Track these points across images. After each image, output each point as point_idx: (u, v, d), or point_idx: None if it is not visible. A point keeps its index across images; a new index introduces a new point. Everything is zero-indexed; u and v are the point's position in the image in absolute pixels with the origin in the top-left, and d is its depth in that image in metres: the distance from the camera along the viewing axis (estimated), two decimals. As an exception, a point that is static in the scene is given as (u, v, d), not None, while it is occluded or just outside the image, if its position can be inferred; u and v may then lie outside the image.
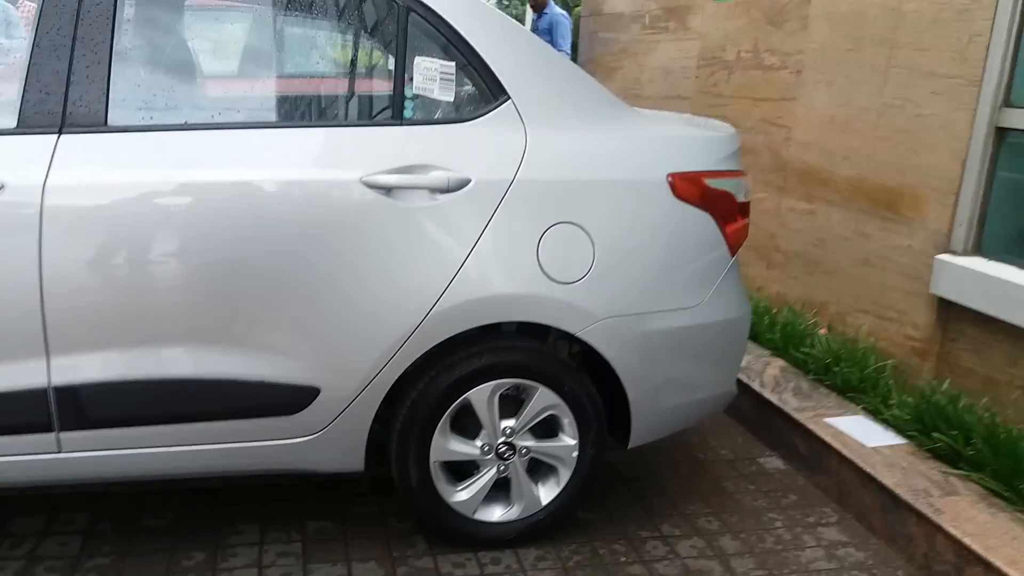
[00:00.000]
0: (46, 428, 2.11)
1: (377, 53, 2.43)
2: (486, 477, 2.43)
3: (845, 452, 2.82)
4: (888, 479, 2.64)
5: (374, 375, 2.23)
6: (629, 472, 2.99)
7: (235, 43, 2.31)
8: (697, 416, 2.67)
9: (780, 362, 3.61)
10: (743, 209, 2.55)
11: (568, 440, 2.45)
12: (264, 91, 2.37)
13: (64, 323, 2.05)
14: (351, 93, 2.46)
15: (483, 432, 2.39)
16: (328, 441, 2.28)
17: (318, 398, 2.23)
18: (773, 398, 3.25)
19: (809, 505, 2.83)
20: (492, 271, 2.25)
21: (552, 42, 6.95)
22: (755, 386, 3.37)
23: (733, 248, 2.53)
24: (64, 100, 2.04)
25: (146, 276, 2.08)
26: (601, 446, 2.47)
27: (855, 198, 3.53)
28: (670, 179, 2.39)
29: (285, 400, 2.21)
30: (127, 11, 2.10)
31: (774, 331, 3.77)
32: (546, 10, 7.45)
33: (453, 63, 2.29)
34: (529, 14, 8.16)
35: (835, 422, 3.04)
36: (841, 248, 3.63)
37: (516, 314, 2.30)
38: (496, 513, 2.47)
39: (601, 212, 2.33)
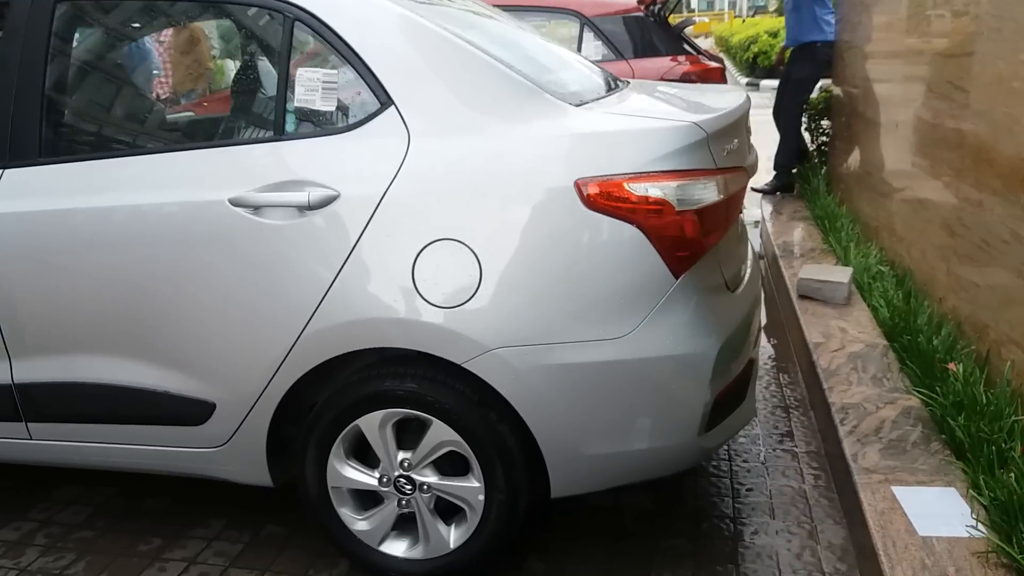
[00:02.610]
0: (16, 418, 2.45)
1: (260, 67, 2.36)
2: (387, 509, 2.27)
3: (877, 537, 2.11)
4: (900, 587, 1.92)
5: (259, 394, 2.21)
6: (634, 524, 2.56)
7: (126, 74, 2.42)
8: (644, 470, 2.19)
9: (909, 402, 2.79)
10: (691, 220, 2.02)
11: (473, 482, 2.19)
12: (152, 118, 2.46)
13: (13, 331, 2.37)
14: (235, 111, 2.43)
15: (382, 463, 2.24)
16: (232, 453, 2.32)
17: (215, 412, 2.28)
18: (852, 450, 2.53)
19: (822, 599, 2.17)
20: (361, 292, 2.09)
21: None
22: (843, 431, 2.65)
23: (676, 267, 2.03)
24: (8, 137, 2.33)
25: (61, 292, 2.29)
26: (513, 493, 2.16)
27: (1014, 186, 2.57)
28: (577, 185, 1.99)
29: (189, 411, 2.29)
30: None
31: (920, 359, 2.92)
32: None
33: (335, 72, 2.15)
34: None
35: (903, 493, 2.28)
36: (1001, 254, 2.68)
37: (390, 340, 2.11)
38: (401, 548, 2.30)
39: (489, 226, 2.03)
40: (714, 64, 5.40)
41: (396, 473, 2.22)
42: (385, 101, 2.10)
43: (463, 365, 2.06)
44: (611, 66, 5.26)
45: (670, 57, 5.63)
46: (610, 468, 2.15)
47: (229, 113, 2.47)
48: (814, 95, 6.16)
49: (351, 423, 2.21)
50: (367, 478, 2.26)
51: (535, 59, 2.51)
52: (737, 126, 2.28)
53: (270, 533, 2.58)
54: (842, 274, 3.85)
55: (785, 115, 6.06)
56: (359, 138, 2.11)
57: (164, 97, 2.58)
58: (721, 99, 2.47)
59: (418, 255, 2.04)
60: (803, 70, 5.89)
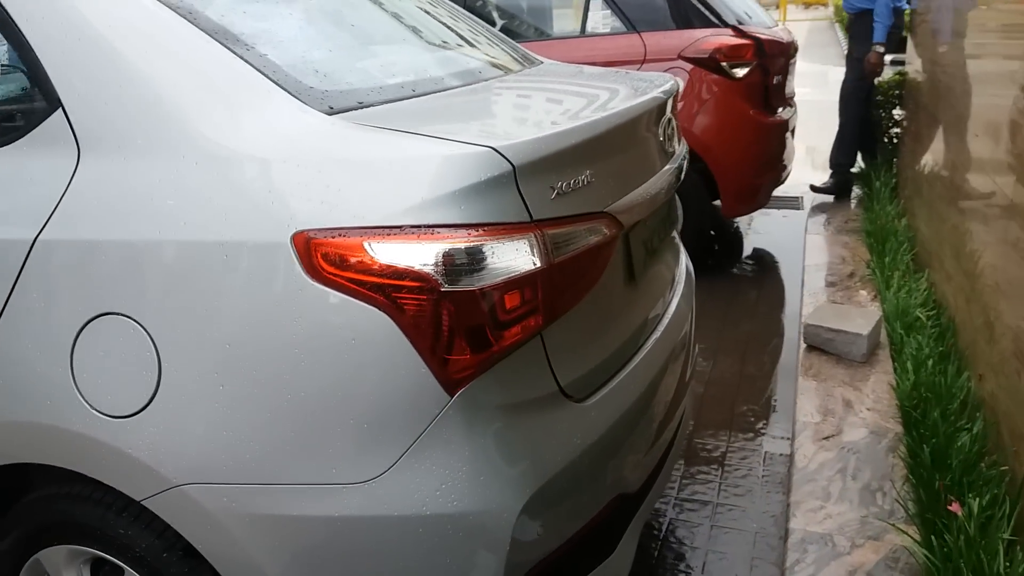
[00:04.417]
0: None
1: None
2: (85, 675, 1.63)
3: None
4: None
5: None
6: None
7: None
8: None
9: (904, 540, 1.93)
10: (474, 305, 1.26)
11: (184, 662, 1.51)
12: None
13: None
14: None
15: (80, 613, 1.60)
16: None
17: None
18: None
19: None
20: (5, 384, 1.43)
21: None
22: (790, 584, 1.83)
23: (451, 377, 1.27)
24: None
25: None
26: None
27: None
28: (296, 241, 1.26)
29: None
30: None
31: (925, 478, 2.05)
32: None
33: (-3, 55, 1.48)
34: None
35: None
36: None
37: (46, 456, 1.44)
38: None
39: (171, 299, 1.32)
40: (745, 41, 4.44)
41: (91, 630, 1.58)
42: (54, 101, 1.41)
43: (143, 503, 1.38)
44: (620, 40, 4.42)
45: (711, 29, 4.67)
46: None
47: None
48: (885, 76, 5.12)
49: (32, 555, 1.57)
50: (58, 632, 1.61)
51: (349, 39, 1.78)
52: (600, 146, 1.48)
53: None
54: (864, 321, 2.95)
55: (843, 101, 5.06)
56: (16, 155, 1.44)
57: None
58: (617, 99, 1.68)
59: (78, 335, 1.36)
60: (862, 45, 4.86)
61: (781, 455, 2.63)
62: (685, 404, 2.03)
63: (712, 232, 5.04)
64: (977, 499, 1.84)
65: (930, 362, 2.62)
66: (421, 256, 1.23)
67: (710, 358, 3.36)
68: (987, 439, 2.14)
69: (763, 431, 2.79)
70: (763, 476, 2.53)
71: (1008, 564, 1.64)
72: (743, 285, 4.23)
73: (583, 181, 1.41)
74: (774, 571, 2.10)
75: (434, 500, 1.29)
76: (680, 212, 2.16)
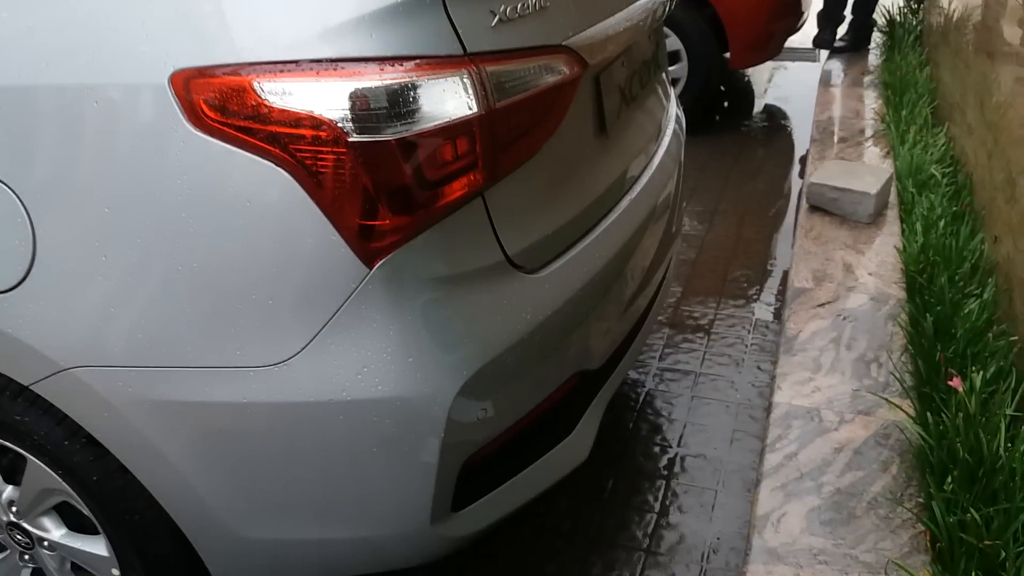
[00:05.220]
0: None
1: None
2: (9, 562, 1.54)
3: None
4: None
5: None
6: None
7: None
8: (348, 565, 1.32)
9: (897, 415, 1.78)
10: (392, 159, 1.04)
11: (101, 549, 1.40)
12: None
13: None
14: None
15: (-8, 500, 1.49)
16: None
17: None
18: (767, 506, 1.59)
19: None
20: None
21: None
22: (769, 462, 1.70)
23: (367, 247, 1.08)
24: None
25: None
26: (161, 574, 1.37)
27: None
28: (175, 83, 1.04)
29: None
30: None
31: (925, 348, 1.87)
32: None
33: None
34: None
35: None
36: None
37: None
38: (37, 616, 1.58)
39: (43, 155, 1.12)
40: None
41: (6, 519, 1.47)
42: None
43: (31, 387, 1.23)
44: None
45: None
46: (292, 559, 1.31)
47: None
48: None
49: (-65, 442, 1.44)
50: (-33, 517, 1.51)
51: None
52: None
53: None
54: (873, 179, 2.71)
55: None
56: None
57: None
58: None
59: (-58, 201, 1.17)
60: None
61: (773, 323, 2.47)
62: (667, 269, 1.84)
63: (721, 87, 4.71)
64: (980, 373, 1.67)
65: (942, 223, 2.40)
66: (322, 98, 1.01)
67: (706, 221, 3.15)
68: (997, 307, 1.96)
69: (755, 297, 2.62)
70: (751, 344, 2.38)
71: (1009, 444, 1.49)
72: (750, 143, 3.95)
73: (534, 5, 1.17)
74: (756, 445, 1.98)
75: (355, 384, 1.13)
76: (665, 54, 1.90)
